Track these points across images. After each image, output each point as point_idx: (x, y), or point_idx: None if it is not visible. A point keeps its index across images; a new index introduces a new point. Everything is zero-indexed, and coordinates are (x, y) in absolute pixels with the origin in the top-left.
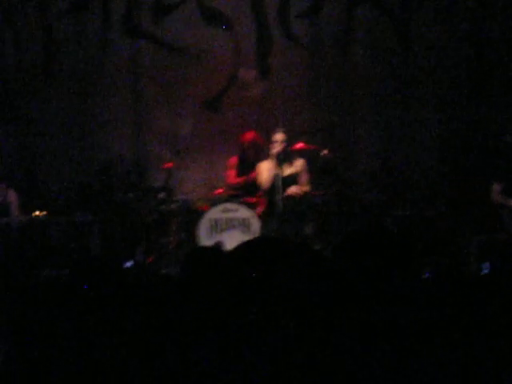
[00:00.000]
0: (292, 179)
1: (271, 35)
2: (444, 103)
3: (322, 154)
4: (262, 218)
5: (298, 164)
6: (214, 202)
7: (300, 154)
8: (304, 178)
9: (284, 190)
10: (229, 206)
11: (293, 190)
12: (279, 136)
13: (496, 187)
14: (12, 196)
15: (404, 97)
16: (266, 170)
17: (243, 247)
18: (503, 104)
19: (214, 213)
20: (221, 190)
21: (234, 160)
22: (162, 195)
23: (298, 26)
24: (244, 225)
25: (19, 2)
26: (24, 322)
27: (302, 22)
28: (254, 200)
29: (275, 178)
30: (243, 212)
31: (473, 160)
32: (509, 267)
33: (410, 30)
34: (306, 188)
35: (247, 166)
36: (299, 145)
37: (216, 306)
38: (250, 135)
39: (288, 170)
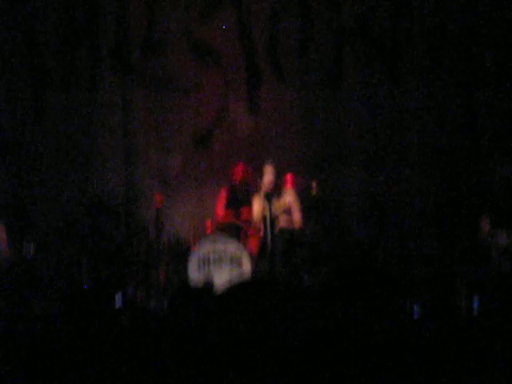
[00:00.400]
0: (277, 214)
1: (261, 70)
2: (433, 138)
3: (312, 186)
4: (253, 253)
5: (287, 200)
6: (203, 235)
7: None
8: (295, 214)
9: (273, 225)
10: (218, 239)
11: (285, 220)
12: (269, 170)
13: (485, 220)
14: (0, 230)
15: (393, 132)
16: (255, 205)
17: (234, 290)
18: (493, 138)
19: (204, 248)
20: (210, 223)
21: (223, 192)
22: (151, 230)
23: (288, 60)
24: (233, 259)
25: (8, 38)
26: (13, 355)
27: (291, 57)
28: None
29: (266, 213)
30: (233, 246)
31: (463, 195)
32: (498, 302)
33: (400, 64)
34: (297, 224)
35: (236, 199)
36: (288, 177)
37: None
38: (239, 169)
39: (279, 207)
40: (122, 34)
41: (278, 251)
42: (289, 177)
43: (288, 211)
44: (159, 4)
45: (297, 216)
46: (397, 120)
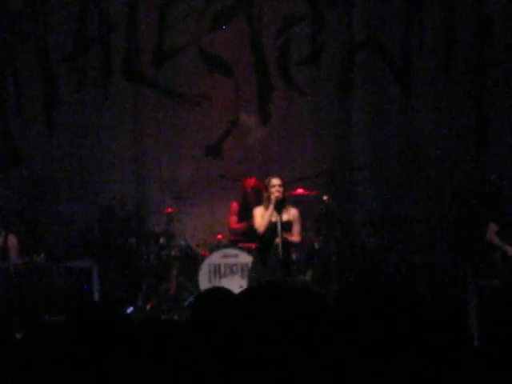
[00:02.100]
0: (288, 226)
1: (271, 81)
2: (443, 150)
3: (323, 198)
4: (261, 263)
5: (292, 213)
6: (215, 247)
7: (300, 199)
8: (296, 227)
9: (282, 235)
10: (229, 251)
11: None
12: (276, 181)
13: (492, 227)
14: (12, 240)
15: (403, 141)
16: (259, 216)
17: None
18: (501, 152)
19: (214, 258)
20: (221, 236)
21: (235, 205)
22: (162, 240)
23: (299, 71)
24: (244, 270)
25: (20, 49)
26: (23, 368)
27: (302, 67)
28: (254, 245)
29: (275, 223)
30: (243, 257)
31: (472, 206)
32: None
33: (411, 77)
34: (297, 238)
35: (248, 211)
36: (299, 190)
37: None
38: (251, 181)
39: (285, 216)
40: (133, 45)
41: (287, 260)
42: (300, 191)
43: (290, 227)
44: (170, 15)
45: (297, 234)
46: (407, 132)
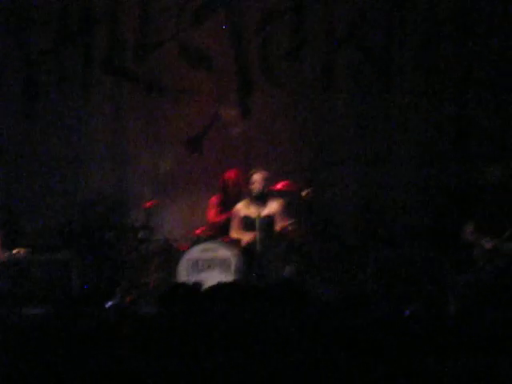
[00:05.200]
0: (270, 220)
1: (252, 75)
2: (423, 144)
3: (303, 193)
4: (242, 258)
5: (277, 205)
6: (194, 241)
7: (281, 194)
8: (283, 219)
9: (263, 230)
10: (209, 245)
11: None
12: (258, 176)
13: (468, 226)
14: None
15: (385, 136)
16: (241, 211)
17: (221, 287)
18: (481, 144)
19: (194, 252)
20: (201, 230)
21: (215, 199)
22: (141, 234)
23: (279, 65)
24: (224, 265)
25: (1, 39)
26: (5, 360)
27: (283, 61)
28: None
29: (254, 219)
30: (223, 252)
31: (452, 201)
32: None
33: (391, 70)
34: (284, 230)
35: (229, 204)
36: (280, 184)
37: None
38: (231, 174)
39: (266, 211)
40: (114, 38)
41: (272, 254)
42: (281, 185)
43: (273, 221)
44: (151, 8)
45: (282, 222)
46: (388, 125)
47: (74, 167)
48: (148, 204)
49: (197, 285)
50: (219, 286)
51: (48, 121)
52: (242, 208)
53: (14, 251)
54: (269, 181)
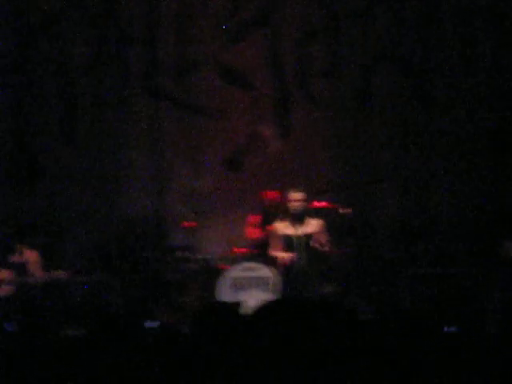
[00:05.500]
0: (309, 239)
1: (290, 94)
2: (463, 160)
3: (342, 212)
4: (282, 277)
5: (316, 224)
6: (235, 260)
7: (319, 212)
8: (322, 238)
9: (302, 249)
10: (249, 264)
11: (317, 242)
12: (296, 195)
13: (507, 244)
14: (32, 255)
15: (424, 155)
16: (280, 231)
17: (264, 308)
18: None
19: (235, 271)
20: (240, 249)
21: (254, 218)
22: (181, 254)
23: (318, 82)
24: (264, 284)
25: (39, 61)
26: (44, 379)
27: (321, 80)
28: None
29: (293, 238)
30: (263, 271)
31: (491, 218)
32: None
33: (430, 87)
34: (325, 249)
35: (268, 223)
36: (319, 203)
37: (226, 366)
38: (270, 193)
39: (305, 229)
40: (152, 58)
41: (312, 272)
42: (319, 204)
43: (315, 235)
44: (189, 28)
45: (324, 240)
46: (427, 143)
47: (114, 186)
48: (187, 224)
49: (237, 304)
50: (264, 306)
51: (87, 140)
52: (281, 227)
53: (54, 272)
54: (307, 199)
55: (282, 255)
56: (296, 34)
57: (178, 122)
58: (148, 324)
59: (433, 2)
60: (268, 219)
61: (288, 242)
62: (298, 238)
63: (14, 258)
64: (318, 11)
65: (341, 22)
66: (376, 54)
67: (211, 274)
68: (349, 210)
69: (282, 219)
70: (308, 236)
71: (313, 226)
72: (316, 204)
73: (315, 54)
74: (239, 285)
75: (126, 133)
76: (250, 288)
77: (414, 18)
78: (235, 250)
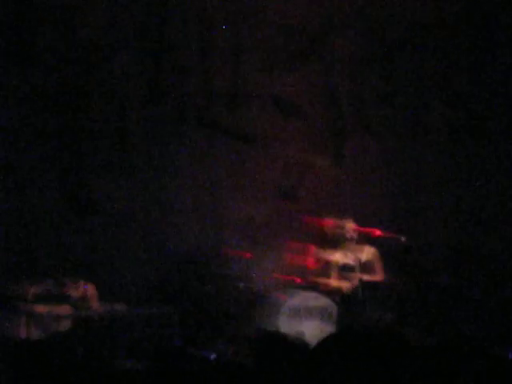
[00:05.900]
0: (368, 267)
1: (345, 122)
2: None
3: (398, 240)
4: (341, 306)
5: (372, 252)
6: (291, 290)
7: (376, 241)
8: (377, 266)
9: (357, 278)
10: (308, 294)
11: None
12: (352, 224)
13: None
14: (90, 290)
15: (477, 181)
16: (338, 259)
17: (330, 339)
18: None
19: (294, 301)
20: (298, 278)
21: (311, 247)
22: (241, 285)
23: (373, 111)
24: (324, 313)
25: (96, 93)
26: None
27: (376, 108)
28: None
29: (353, 266)
30: (323, 300)
31: None
32: None
33: (484, 120)
34: (380, 277)
35: (325, 252)
36: (374, 231)
37: None
38: (327, 222)
39: (363, 258)
40: (206, 88)
41: (367, 301)
42: (375, 232)
43: (367, 268)
44: (243, 57)
45: (379, 269)
46: (479, 173)
47: (170, 219)
48: (245, 254)
49: (299, 335)
50: (329, 338)
51: (142, 173)
52: (339, 255)
53: (112, 305)
54: (363, 228)
55: (338, 284)
56: (350, 62)
57: (233, 150)
58: (211, 356)
59: (489, 31)
60: (323, 248)
61: (347, 271)
62: (353, 266)
63: (71, 292)
64: (372, 39)
65: (395, 50)
66: (431, 82)
67: (270, 304)
68: (404, 238)
69: (336, 248)
70: (367, 264)
71: (370, 254)
72: (371, 232)
73: (370, 82)
74: (299, 315)
75: (180, 163)
76: (308, 318)
77: (466, 46)
78: (294, 279)
